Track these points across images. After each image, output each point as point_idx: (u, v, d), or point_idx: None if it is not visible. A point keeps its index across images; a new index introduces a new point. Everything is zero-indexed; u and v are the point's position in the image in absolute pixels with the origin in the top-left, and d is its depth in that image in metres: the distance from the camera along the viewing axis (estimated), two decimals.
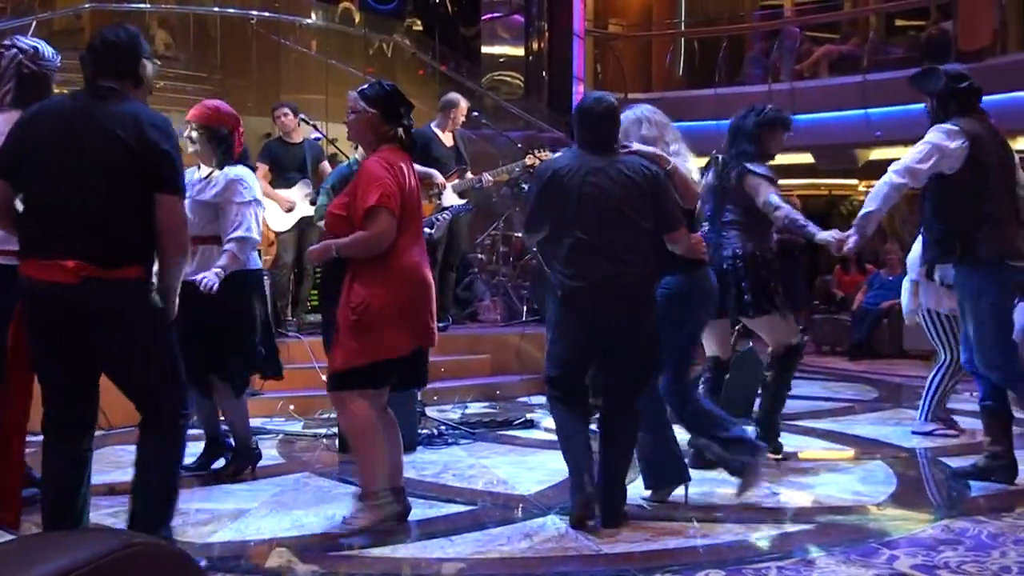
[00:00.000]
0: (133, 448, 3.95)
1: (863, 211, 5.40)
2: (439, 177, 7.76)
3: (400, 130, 4.58)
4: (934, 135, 5.23)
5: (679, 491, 5.01)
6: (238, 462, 5.59)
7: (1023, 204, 5.36)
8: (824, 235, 5.54)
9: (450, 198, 8.33)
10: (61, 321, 3.71)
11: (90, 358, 3.79)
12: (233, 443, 5.64)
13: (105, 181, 3.63)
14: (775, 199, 5.69)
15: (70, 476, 3.88)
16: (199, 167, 5.39)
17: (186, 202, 4.01)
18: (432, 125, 9.19)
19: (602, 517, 4.56)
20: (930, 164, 5.19)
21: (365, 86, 4.66)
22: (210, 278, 5.04)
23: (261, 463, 5.71)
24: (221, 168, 5.34)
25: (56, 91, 4.60)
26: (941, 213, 5.30)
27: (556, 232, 4.68)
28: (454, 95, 9.57)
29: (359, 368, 4.39)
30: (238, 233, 5.20)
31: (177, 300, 3.89)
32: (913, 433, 6.85)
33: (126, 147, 3.62)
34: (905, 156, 5.28)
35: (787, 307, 5.93)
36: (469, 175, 8.89)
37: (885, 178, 5.29)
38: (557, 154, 5.28)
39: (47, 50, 4.48)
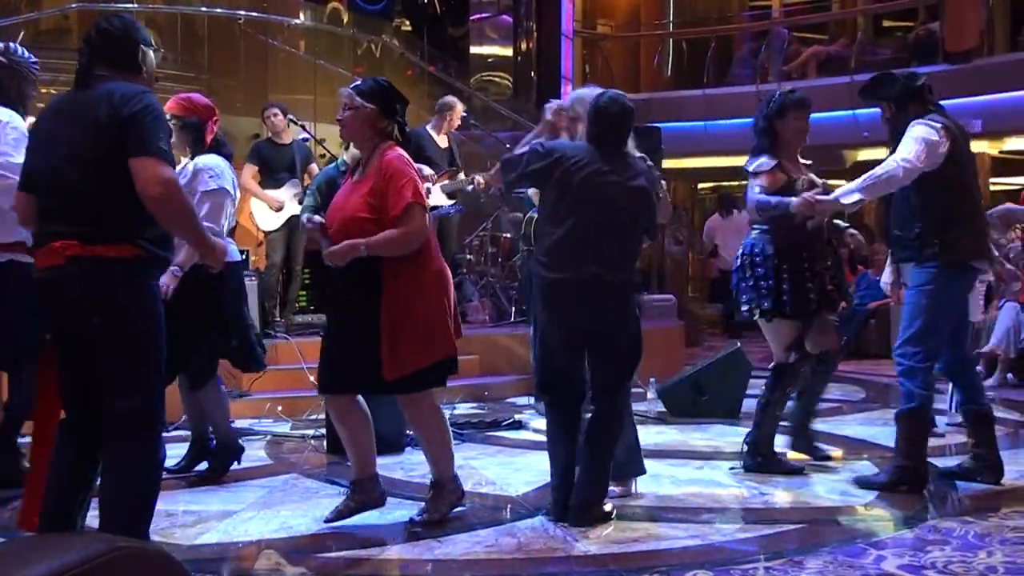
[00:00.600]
0: None
1: (852, 188, 5.22)
2: (427, 170, 7.78)
3: (395, 126, 4.55)
4: (921, 130, 5.12)
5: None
6: (222, 459, 5.58)
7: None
8: (795, 201, 5.34)
9: (438, 198, 8.35)
10: (57, 307, 3.67)
11: (88, 349, 3.66)
12: (215, 443, 5.63)
13: (83, 164, 3.58)
14: (751, 195, 5.63)
15: (71, 478, 3.79)
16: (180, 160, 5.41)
17: None
18: (428, 127, 9.24)
19: (574, 515, 4.58)
20: (923, 160, 5.08)
21: (359, 82, 4.60)
22: (165, 281, 4.80)
23: (249, 464, 5.70)
24: (193, 158, 5.38)
25: (43, 91, 4.68)
26: (921, 212, 5.20)
27: (546, 217, 4.69)
28: (450, 98, 9.62)
29: (428, 368, 4.45)
30: None
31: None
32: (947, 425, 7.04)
33: (98, 126, 3.56)
34: (903, 152, 5.09)
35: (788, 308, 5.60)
36: (461, 176, 8.91)
37: (891, 168, 5.07)
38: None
39: (18, 48, 4.65)
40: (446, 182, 8.59)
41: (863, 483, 5.36)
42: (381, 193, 4.37)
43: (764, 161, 5.56)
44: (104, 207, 3.57)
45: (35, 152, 3.79)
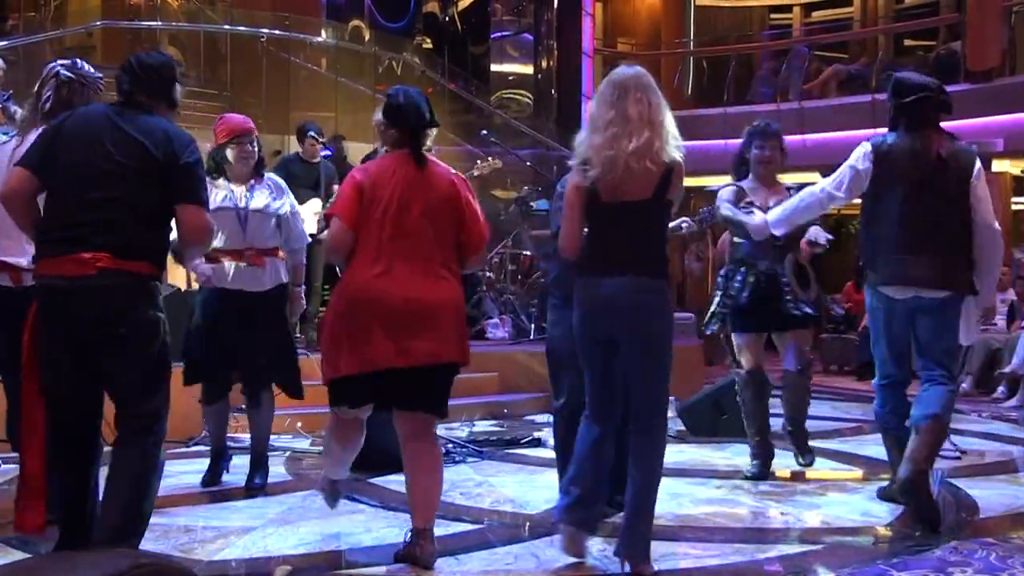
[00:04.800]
0: None
1: (777, 216, 5.55)
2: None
3: (408, 136, 4.37)
4: (854, 155, 5.24)
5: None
6: (264, 472, 5.71)
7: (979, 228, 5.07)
8: (752, 222, 5.73)
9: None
10: (70, 316, 3.78)
11: (93, 359, 3.82)
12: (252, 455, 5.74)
13: (126, 183, 3.81)
14: (722, 209, 6.01)
15: (77, 490, 3.90)
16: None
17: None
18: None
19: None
20: (845, 187, 5.24)
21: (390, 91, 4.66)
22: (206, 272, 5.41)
23: (269, 480, 5.71)
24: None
25: None
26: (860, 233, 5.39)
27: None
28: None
29: (330, 385, 4.32)
30: None
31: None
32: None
33: (150, 156, 3.82)
34: (829, 179, 5.33)
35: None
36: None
37: (811, 195, 5.41)
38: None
39: (84, 64, 4.71)
40: None
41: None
42: None
43: (725, 185, 6.16)
44: (139, 228, 3.82)
45: (65, 151, 3.88)
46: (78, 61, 4.69)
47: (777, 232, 5.60)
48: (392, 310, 4.14)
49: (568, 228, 4.24)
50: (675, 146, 4.14)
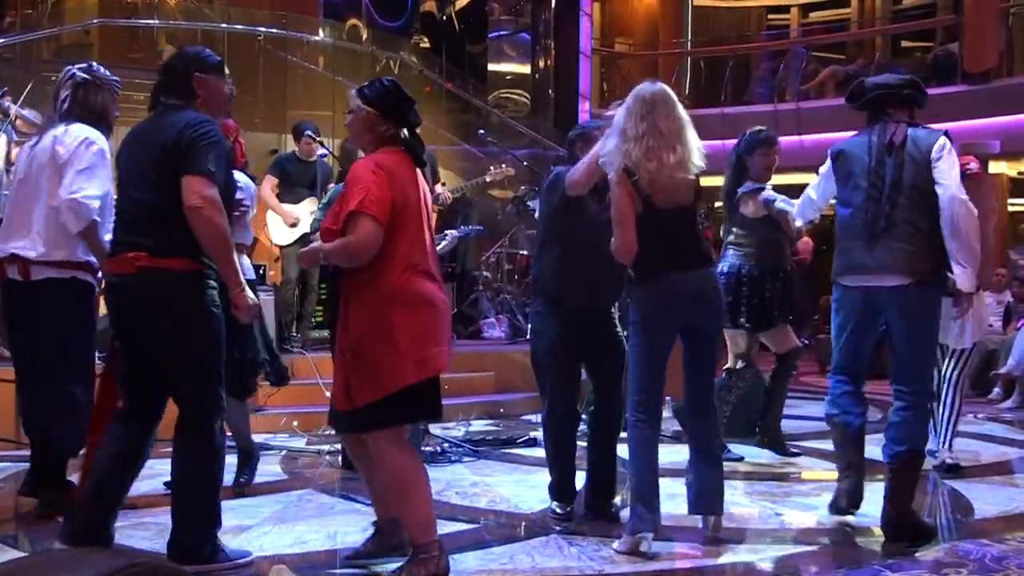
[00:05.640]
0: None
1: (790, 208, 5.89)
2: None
3: (404, 130, 4.15)
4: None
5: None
6: (252, 468, 5.66)
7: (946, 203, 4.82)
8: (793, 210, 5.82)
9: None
10: (123, 312, 4.09)
11: (148, 355, 4.08)
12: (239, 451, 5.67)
13: (151, 183, 4.02)
14: (769, 194, 6.32)
15: (120, 460, 4.12)
16: None
17: None
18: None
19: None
20: (815, 187, 5.24)
21: (364, 84, 4.26)
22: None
23: (264, 479, 5.73)
24: None
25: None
26: None
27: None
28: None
29: (379, 403, 3.90)
30: None
31: (246, 291, 4.08)
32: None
33: (166, 150, 3.99)
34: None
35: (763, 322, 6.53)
36: (439, 188, 8.99)
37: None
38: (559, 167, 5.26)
39: (100, 67, 4.94)
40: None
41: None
42: (342, 201, 4.00)
43: (749, 184, 6.48)
44: (170, 224, 3.96)
45: (122, 157, 4.21)
46: (93, 64, 4.91)
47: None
48: (444, 312, 4.08)
49: (627, 234, 4.49)
50: (701, 156, 4.61)
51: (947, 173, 4.78)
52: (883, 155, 4.88)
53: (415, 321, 3.93)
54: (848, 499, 5.01)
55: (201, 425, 4.05)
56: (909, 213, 4.79)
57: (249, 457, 5.66)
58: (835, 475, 6.02)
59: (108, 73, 4.95)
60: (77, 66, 4.92)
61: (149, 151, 4.02)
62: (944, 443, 6.26)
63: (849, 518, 5.02)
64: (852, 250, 4.89)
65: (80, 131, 4.80)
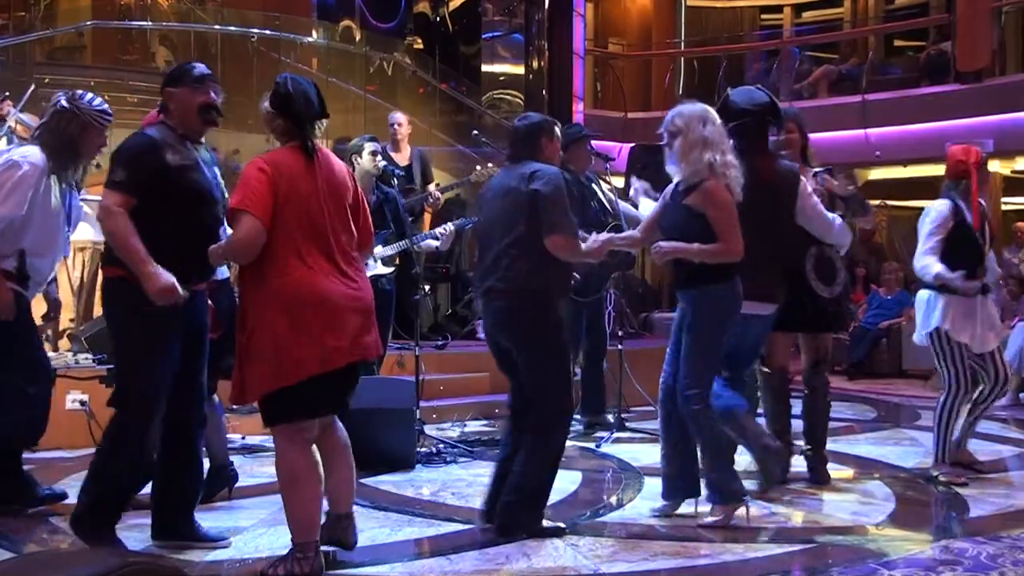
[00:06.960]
0: None
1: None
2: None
3: (292, 124, 4.13)
4: None
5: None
6: (212, 484, 5.29)
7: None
8: None
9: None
10: None
11: None
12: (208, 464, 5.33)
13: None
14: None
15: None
16: None
17: None
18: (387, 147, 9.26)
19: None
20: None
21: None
22: None
23: (260, 481, 5.69)
24: None
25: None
26: None
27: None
28: (392, 114, 9.58)
29: (276, 396, 3.99)
30: None
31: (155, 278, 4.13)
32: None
33: None
34: None
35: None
36: (431, 188, 8.97)
37: None
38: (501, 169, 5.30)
39: (91, 96, 4.89)
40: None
41: None
42: None
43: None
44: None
45: None
46: (85, 94, 4.88)
47: None
48: (343, 307, 4.03)
49: (740, 237, 4.82)
50: None
51: (815, 216, 5.61)
52: (755, 193, 5.04)
53: (302, 317, 3.93)
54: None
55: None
56: (770, 248, 5.30)
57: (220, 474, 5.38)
58: (832, 474, 6.06)
59: (99, 103, 4.86)
60: (64, 94, 4.90)
61: None
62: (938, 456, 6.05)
63: (845, 515, 5.03)
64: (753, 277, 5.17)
65: (15, 153, 4.89)
